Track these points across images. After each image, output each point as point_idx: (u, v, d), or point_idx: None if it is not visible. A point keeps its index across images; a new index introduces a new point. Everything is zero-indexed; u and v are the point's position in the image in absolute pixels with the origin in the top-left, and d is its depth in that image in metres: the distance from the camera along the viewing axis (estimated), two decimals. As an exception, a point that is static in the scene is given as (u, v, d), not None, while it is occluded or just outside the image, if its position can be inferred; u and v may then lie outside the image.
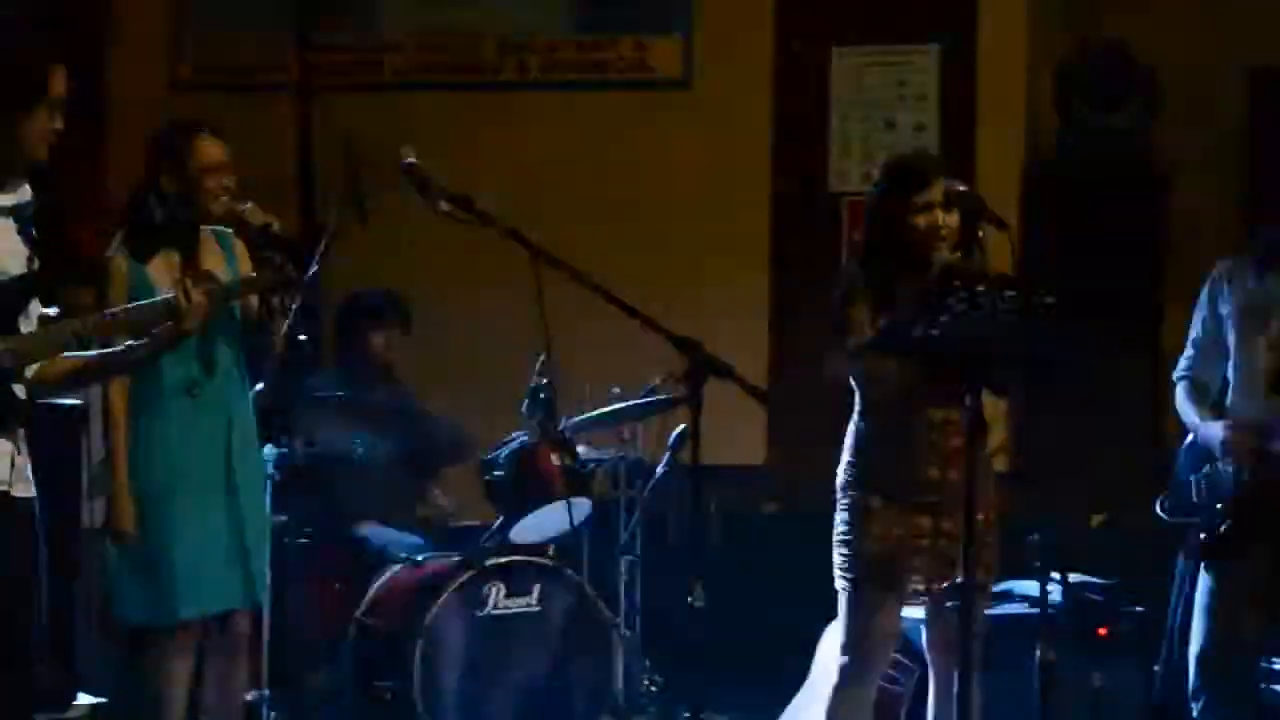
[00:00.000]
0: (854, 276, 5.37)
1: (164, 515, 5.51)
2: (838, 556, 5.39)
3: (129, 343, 4.92)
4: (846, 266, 5.53)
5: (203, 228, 5.60)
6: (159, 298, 5.02)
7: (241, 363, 5.65)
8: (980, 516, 5.26)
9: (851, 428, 5.42)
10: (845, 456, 5.42)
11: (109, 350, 4.85)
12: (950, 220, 5.24)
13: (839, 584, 5.39)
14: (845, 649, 5.41)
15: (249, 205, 5.47)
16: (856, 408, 5.42)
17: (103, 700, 6.01)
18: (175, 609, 5.48)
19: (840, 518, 5.39)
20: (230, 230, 5.66)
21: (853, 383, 5.38)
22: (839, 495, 5.41)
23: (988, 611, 5.71)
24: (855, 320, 5.28)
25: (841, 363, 5.33)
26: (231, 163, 5.58)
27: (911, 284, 5.26)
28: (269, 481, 5.97)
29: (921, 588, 5.35)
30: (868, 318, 5.27)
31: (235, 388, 5.66)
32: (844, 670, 5.43)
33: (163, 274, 5.52)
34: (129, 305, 5.10)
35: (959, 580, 5.10)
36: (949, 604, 5.25)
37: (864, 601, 5.36)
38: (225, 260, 5.65)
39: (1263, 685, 5.99)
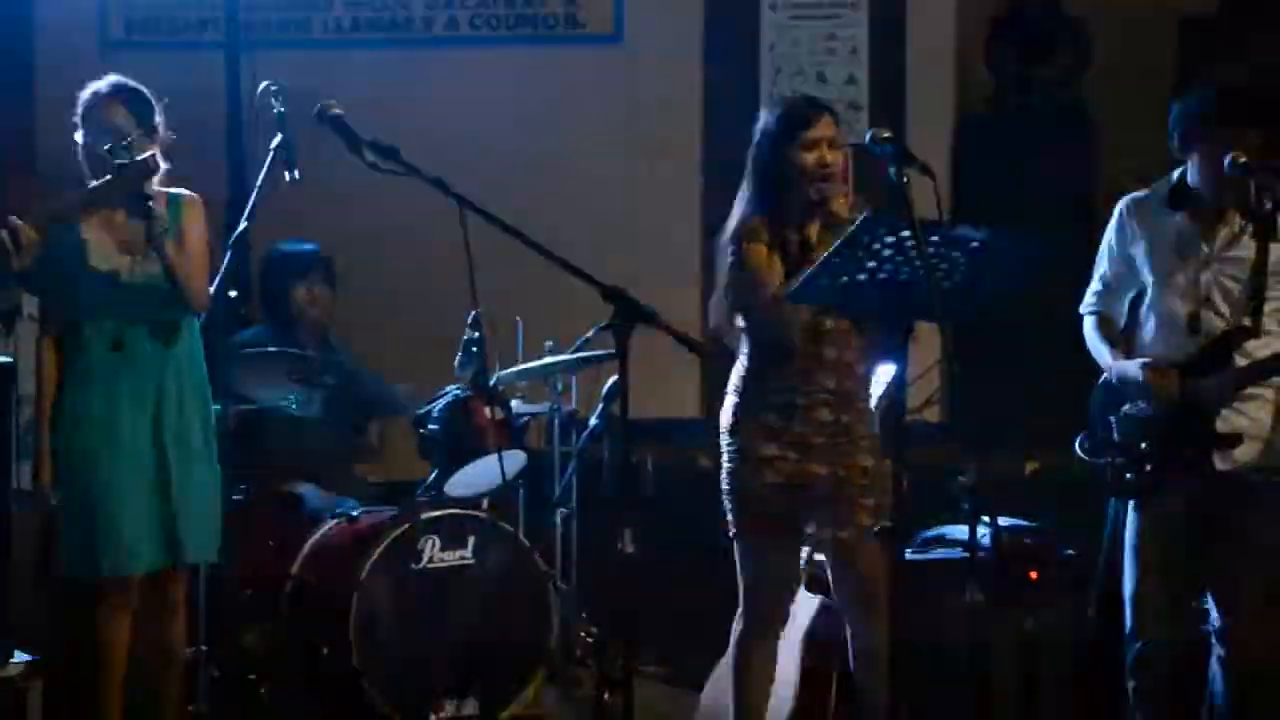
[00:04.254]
0: (747, 218, 5.39)
1: (89, 472, 5.54)
2: (728, 504, 5.40)
3: None
4: (737, 210, 5.52)
5: (156, 187, 5.59)
6: None
7: (177, 320, 5.66)
8: (870, 463, 5.31)
9: (739, 372, 5.43)
10: (731, 399, 5.43)
11: None
12: (835, 158, 5.30)
13: (732, 533, 5.41)
14: (742, 600, 5.43)
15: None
16: (744, 351, 5.43)
17: (38, 658, 5.99)
18: (100, 565, 5.52)
19: (729, 465, 5.40)
20: (185, 191, 5.70)
21: (742, 327, 5.39)
22: (725, 440, 5.41)
23: (919, 556, 5.79)
24: (756, 264, 5.29)
25: (733, 311, 5.36)
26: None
27: (808, 223, 5.30)
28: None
29: (821, 533, 5.36)
30: (770, 262, 5.29)
31: (168, 347, 5.66)
32: (743, 622, 5.45)
33: (100, 232, 5.55)
34: None
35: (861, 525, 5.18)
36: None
37: (756, 549, 5.38)
38: (169, 220, 5.66)
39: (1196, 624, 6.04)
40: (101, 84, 5.70)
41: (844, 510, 5.28)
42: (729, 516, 5.40)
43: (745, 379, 5.39)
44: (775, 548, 5.38)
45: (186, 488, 5.64)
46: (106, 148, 5.36)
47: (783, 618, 5.54)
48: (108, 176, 5.35)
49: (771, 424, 5.30)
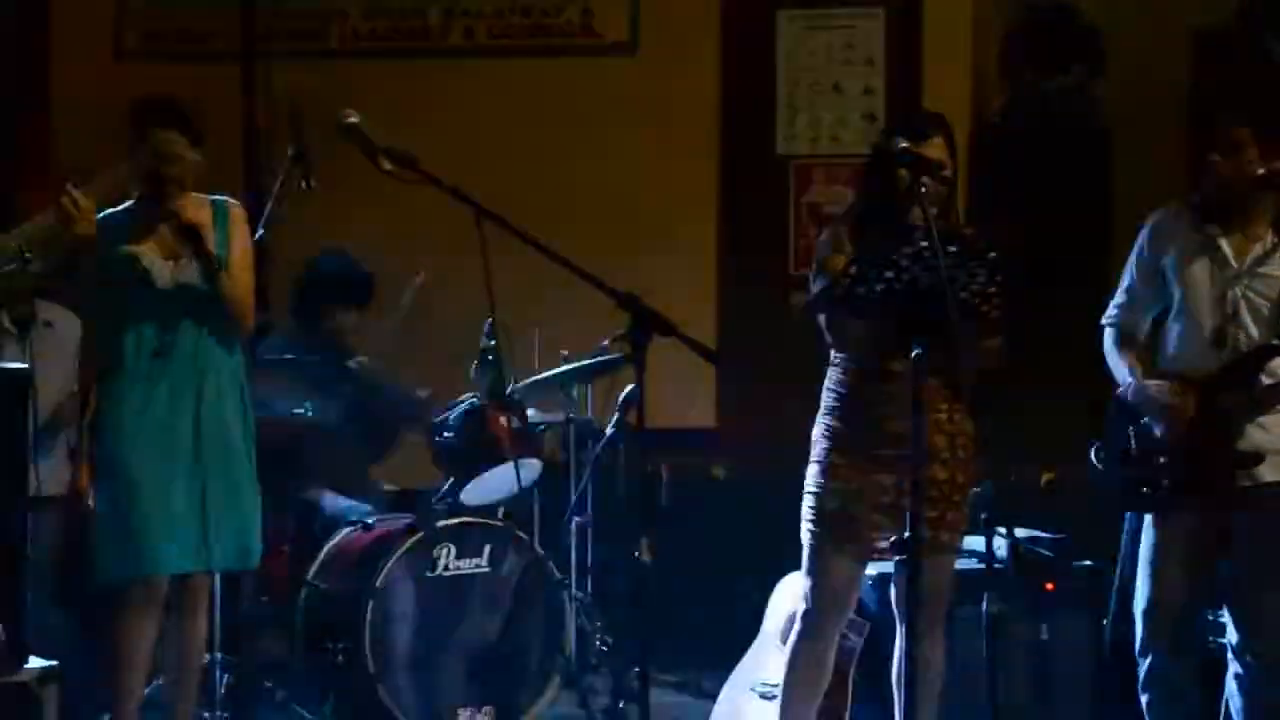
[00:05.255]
0: (839, 226, 5.39)
1: (124, 475, 5.57)
2: (805, 508, 5.39)
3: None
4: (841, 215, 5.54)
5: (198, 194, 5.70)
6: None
7: (219, 326, 5.68)
8: (945, 476, 5.28)
9: (827, 378, 5.42)
10: (821, 407, 5.42)
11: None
12: (934, 184, 5.19)
13: (804, 535, 5.40)
14: (806, 600, 5.43)
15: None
16: (833, 356, 5.42)
17: (54, 663, 5.99)
18: (129, 566, 5.54)
19: (809, 470, 5.39)
20: (230, 200, 5.76)
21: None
22: (812, 446, 5.40)
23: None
24: (829, 270, 5.27)
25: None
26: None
27: (887, 237, 5.24)
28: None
29: (885, 545, 5.32)
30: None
31: (210, 352, 5.69)
32: (803, 620, 5.46)
33: (146, 240, 5.62)
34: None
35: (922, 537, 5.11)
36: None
37: (822, 555, 5.37)
38: (214, 228, 5.69)
39: (1210, 639, 6.03)
40: (141, 104, 5.73)
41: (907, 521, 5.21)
42: (805, 520, 5.38)
43: (825, 385, 5.39)
44: (839, 555, 5.35)
45: (224, 493, 5.67)
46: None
47: (839, 622, 5.51)
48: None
49: (843, 436, 5.30)
